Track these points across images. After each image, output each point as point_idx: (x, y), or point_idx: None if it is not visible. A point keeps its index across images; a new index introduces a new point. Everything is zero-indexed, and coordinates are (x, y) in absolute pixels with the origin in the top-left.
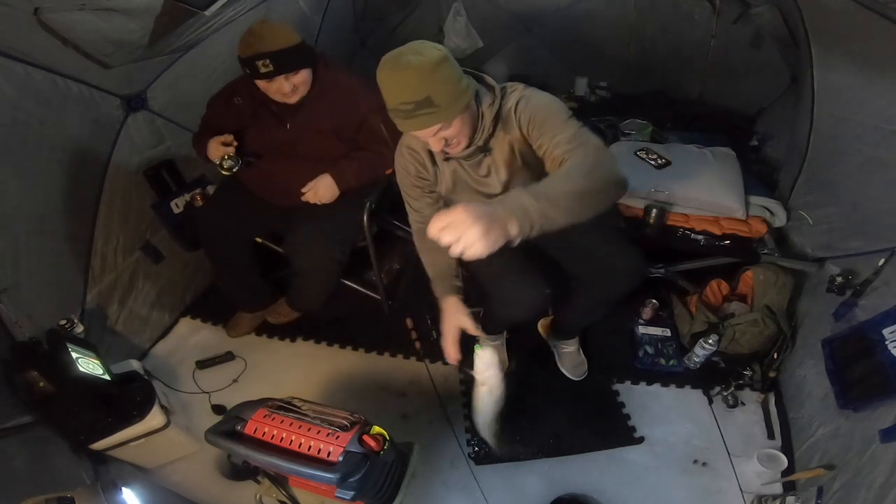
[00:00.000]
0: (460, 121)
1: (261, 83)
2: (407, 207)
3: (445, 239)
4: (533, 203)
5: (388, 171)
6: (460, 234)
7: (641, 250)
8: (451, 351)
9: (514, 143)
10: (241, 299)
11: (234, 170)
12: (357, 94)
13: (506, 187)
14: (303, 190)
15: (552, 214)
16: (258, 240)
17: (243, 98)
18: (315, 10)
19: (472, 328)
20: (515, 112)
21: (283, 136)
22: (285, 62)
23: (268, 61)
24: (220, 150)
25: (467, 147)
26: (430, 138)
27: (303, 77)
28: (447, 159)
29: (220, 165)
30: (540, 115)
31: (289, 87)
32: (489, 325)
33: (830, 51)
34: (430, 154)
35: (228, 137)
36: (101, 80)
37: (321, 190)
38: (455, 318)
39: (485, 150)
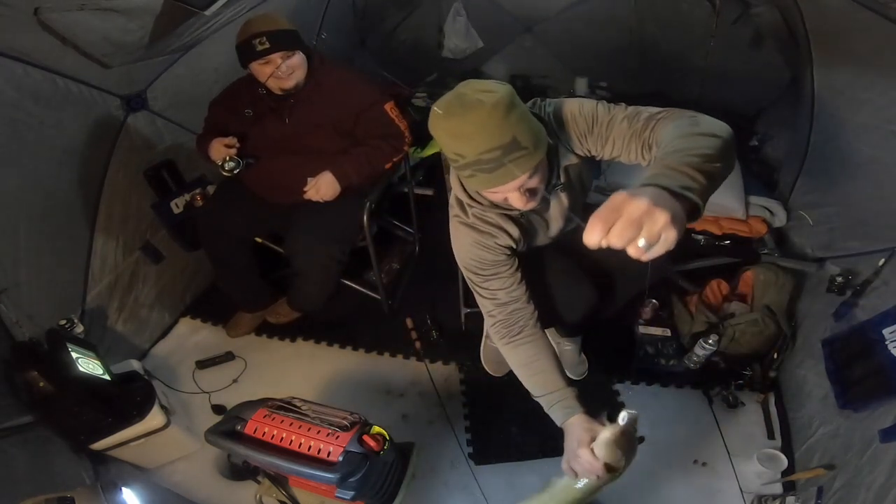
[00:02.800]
0: (544, 162)
1: (257, 68)
2: (483, 298)
3: (620, 239)
4: (679, 164)
5: (388, 166)
6: (639, 224)
7: None
8: (595, 464)
9: (569, 169)
10: (241, 299)
11: (236, 172)
12: (354, 85)
13: (566, 221)
14: (305, 189)
15: (706, 172)
16: (258, 240)
17: (244, 100)
18: (315, 10)
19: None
20: (561, 134)
21: (283, 132)
22: (281, 40)
23: (264, 38)
24: (221, 150)
25: (546, 188)
26: (513, 193)
27: (298, 60)
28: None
29: (222, 167)
30: (581, 121)
31: (285, 68)
32: None
33: (830, 51)
34: (499, 214)
35: (232, 140)
36: (101, 80)
37: (323, 187)
38: (586, 436)
39: (557, 183)
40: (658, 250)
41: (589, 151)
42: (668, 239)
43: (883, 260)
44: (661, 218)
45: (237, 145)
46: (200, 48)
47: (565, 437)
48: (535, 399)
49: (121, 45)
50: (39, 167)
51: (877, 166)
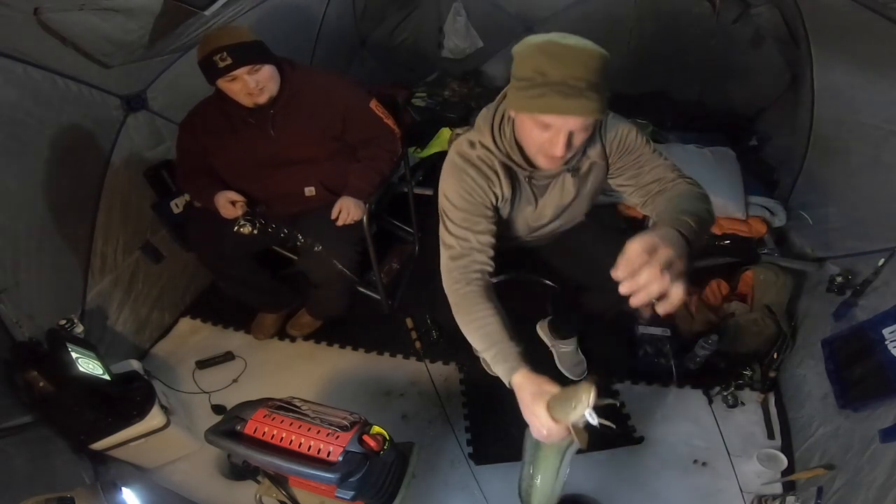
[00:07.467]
0: (594, 128)
1: (225, 85)
2: (451, 236)
3: (645, 295)
4: (686, 229)
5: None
6: (664, 284)
7: None
8: (557, 428)
9: (591, 166)
10: (258, 303)
11: (256, 232)
12: (335, 86)
13: (555, 216)
14: (333, 217)
15: (694, 241)
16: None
17: (215, 117)
18: (314, 10)
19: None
20: (605, 132)
21: (271, 145)
22: (243, 55)
23: (225, 54)
24: (231, 210)
25: (569, 160)
26: (561, 135)
27: (267, 73)
28: (529, 177)
29: (239, 232)
30: (631, 140)
31: (253, 84)
32: None
33: (830, 51)
34: (504, 166)
35: (241, 203)
36: (101, 80)
37: (352, 212)
38: (540, 393)
39: (577, 167)
40: (665, 309)
41: (610, 166)
42: (676, 298)
43: (883, 260)
44: (679, 266)
45: (244, 202)
46: None
47: (518, 398)
48: (479, 355)
49: (121, 45)
50: (39, 167)
51: (877, 166)
